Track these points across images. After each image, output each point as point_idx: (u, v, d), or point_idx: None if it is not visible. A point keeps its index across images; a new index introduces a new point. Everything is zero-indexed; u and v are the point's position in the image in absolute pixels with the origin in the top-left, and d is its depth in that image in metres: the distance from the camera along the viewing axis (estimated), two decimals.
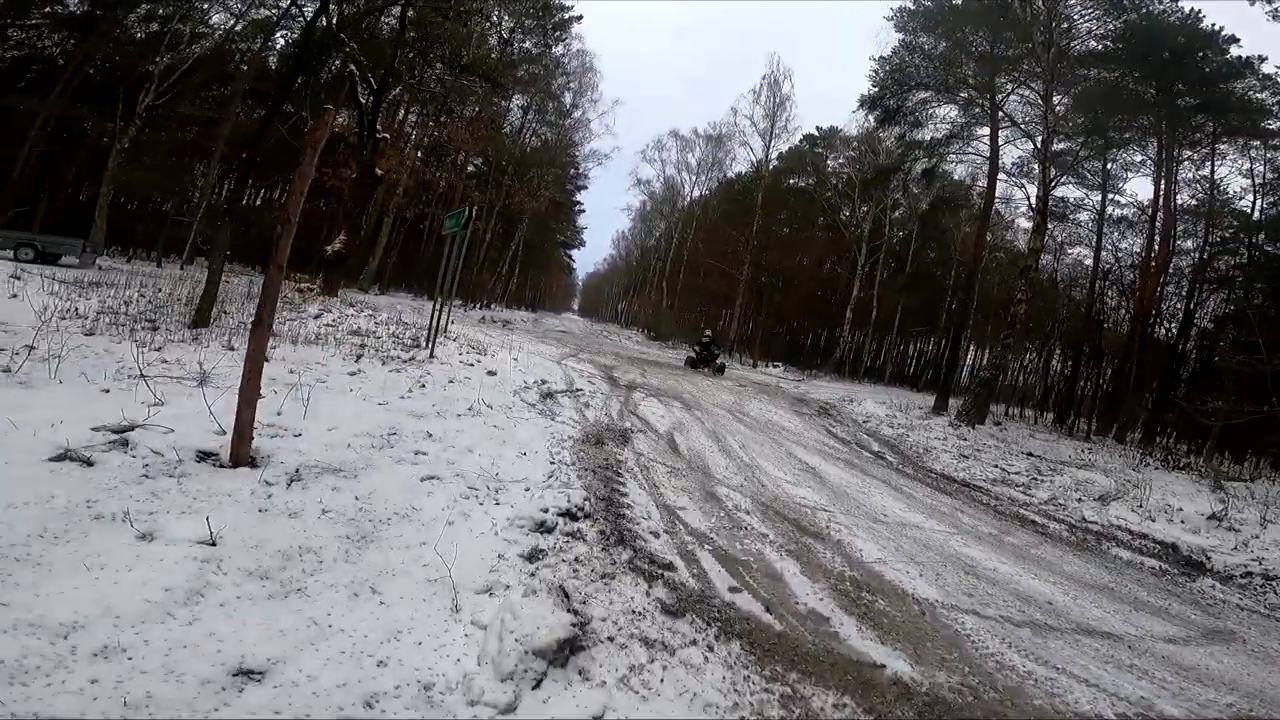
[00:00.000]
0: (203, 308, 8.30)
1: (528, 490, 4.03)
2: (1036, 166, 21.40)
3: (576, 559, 3.22)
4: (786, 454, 7.59)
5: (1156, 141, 18.27)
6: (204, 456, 3.45)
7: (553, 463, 4.80)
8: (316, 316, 10.87)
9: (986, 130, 18.01)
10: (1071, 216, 23.34)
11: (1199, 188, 19.34)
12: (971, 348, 29.07)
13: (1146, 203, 20.56)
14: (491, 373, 8.60)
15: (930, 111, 19.89)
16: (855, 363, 31.29)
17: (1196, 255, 19.79)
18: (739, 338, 33.17)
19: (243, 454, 3.46)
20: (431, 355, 8.76)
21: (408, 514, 3.41)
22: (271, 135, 18.53)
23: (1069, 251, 25.66)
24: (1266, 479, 11.46)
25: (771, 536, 4.33)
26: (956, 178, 27.25)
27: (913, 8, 18.55)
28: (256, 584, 2.47)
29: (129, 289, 10.23)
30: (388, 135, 16.76)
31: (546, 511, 3.63)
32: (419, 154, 25.32)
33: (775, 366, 28.51)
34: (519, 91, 28.74)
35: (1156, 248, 19.00)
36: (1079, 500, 7.97)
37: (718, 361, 18.69)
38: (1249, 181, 18.68)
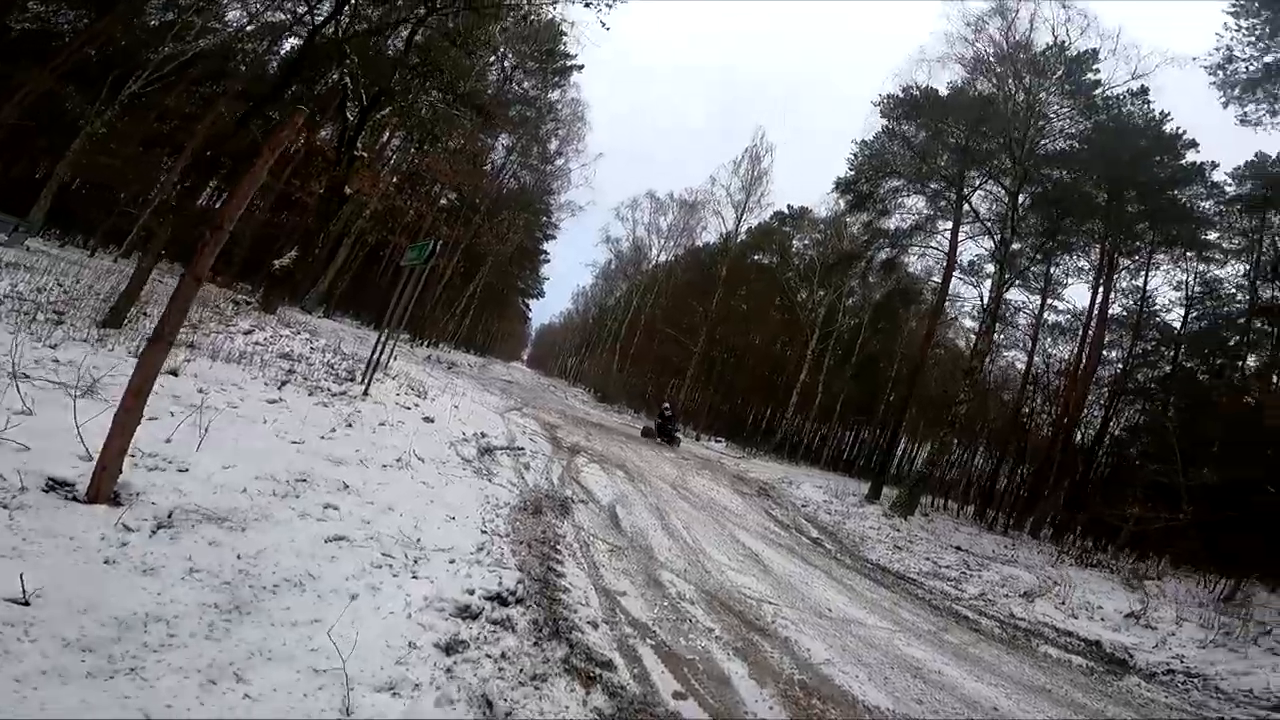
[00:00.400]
0: (119, 306, 7.51)
1: (453, 563, 3.52)
2: (991, 266, 22.45)
3: (504, 655, 2.75)
4: (730, 537, 7.26)
5: (1100, 248, 18.70)
6: (56, 486, 2.85)
7: (484, 531, 4.29)
8: (247, 333, 10.08)
9: (949, 224, 18.33)
10: (1011, 319, 23.99)
11: (1132, 298, 19.92)
12: (904, 439, 29.79)
13: (1081, 309, 21.24)
14: (428, 419, 8.03)
15: (900, 201, 20.32)
16: (795, 444, 31.51)
17: (1120, 365, 20.36)
18: (686, 409, 33.01)
19: (104, 488, 2.88)
20: (366, 392, 8.13)
21: (302, 582, 2.87)
22: (245, 137, 17.90)
23: (1004, 354, 26.78)
24: (1173, 576, 11.88)
25: (717, 631, 3.94)
26: (912, 271, 28.13)
27: (900, 95, 19.03)
28: (74, 658, 1.92)
29: (48, 275, 9.31)
30: (365, 154, 16.37)
31: (473, 593, 3.14)
32: (394, 179, 24.78)
33: (718, 441, 28.34)
34: (508, 131, 28.67)
35: (1087, 356, 19.73)
36: (1006, 596, 8.06)
37: (675, 435, 18.76)
38: (1178, 294, 19.41)
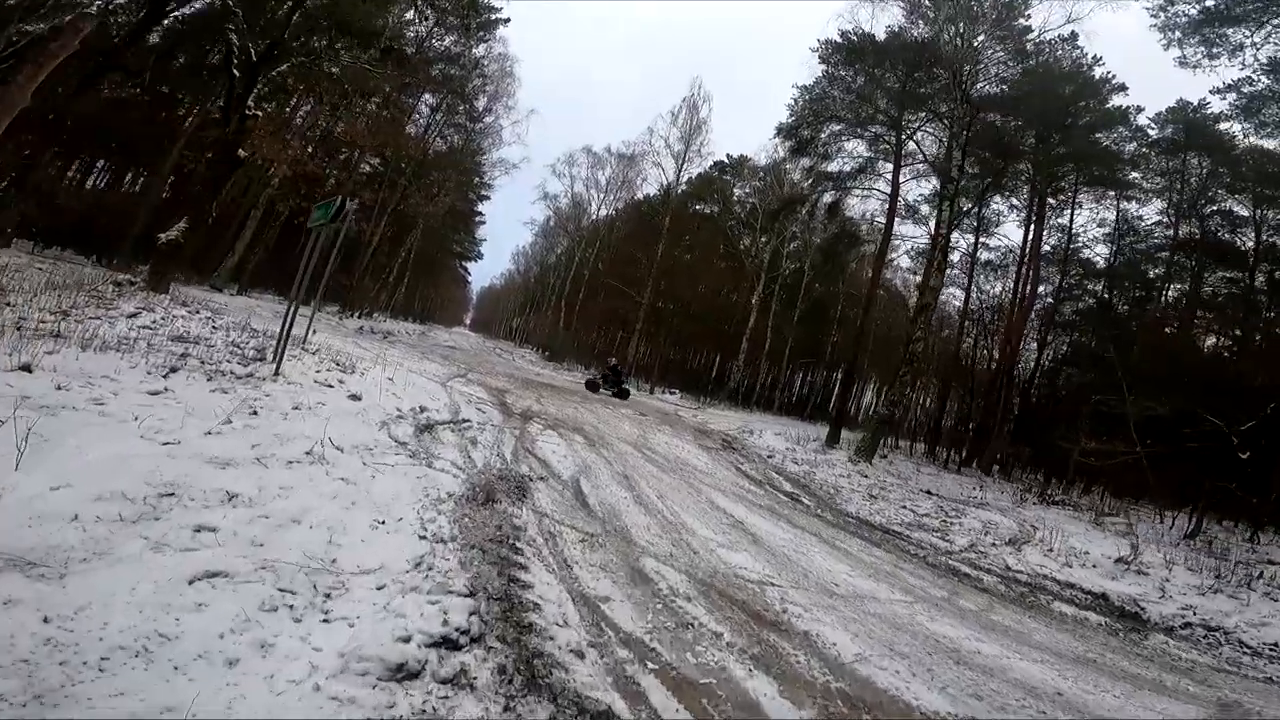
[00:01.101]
0: None
1: (381, 590, 2.62)
2: (926, 208, 22.76)
3: None
4: (708, 503, 6.59)
5: (1030, 188, 19.26)
6: None
7: (424, 536, 3.36)
8: (131, 316, 8.64)
9: (890, 166, 18.38)
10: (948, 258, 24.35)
11: (1058, 235, 20.73)
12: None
13: (1011, 247, 22.06)
14: (355, 397, 6.93)
15: (840, 145, 20.37)
16: (748, 391, 31.44)
17: (1049, 300, 21.13)
18: (637, 362, 32.37)
19: None
20: (278, 372, 6.96)
21: (148, 648, 1.95)
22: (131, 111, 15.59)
23: (942, 292, 26.98)
24: (1129, 512, 12.13)
25: (726, 636, 3.22)
26: (850, 215, 28.23)
27: (839, 41, 18.70)
28: None
29: None
30: (259, 113, 14.48)
31: (410, 639, 2.25)
32: (308, 148, 22.50)
33: (672, 393, 27.97)
34: (431, 91, 26.70)
35: (1025, 292, 20.16)
36: (994, 546, 7.77)
37: (625, 387, 19.17)
38: (1102, 230, 20.41)
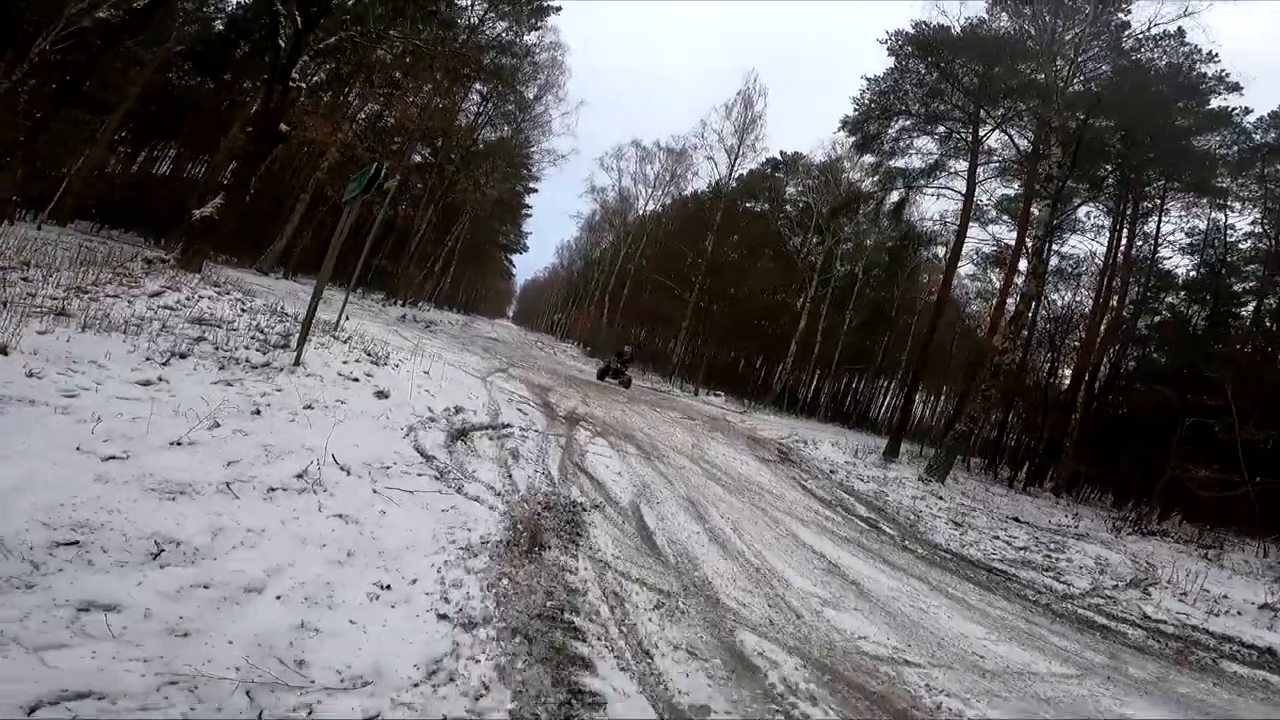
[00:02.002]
0: None
1: None
2: (994, 211, 21.28)
3: None
4: (790, 538, 5.50)
5: (1120, 193, 17.95)
6: None
7: (446, 614, 2.33)
8: (154, 295, 8.01)
9: (965, 165, 17.13)
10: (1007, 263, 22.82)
11: (1143, 243, 19.36)
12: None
13: (1087, 255, 21.02)
14: (382, 394, 6.05)
15: (909, 141, 19.34)
16: (794, 397, 30.08)
17: (1126, 312, 19.67)
18: (682, 362, 31.30)
19: None
20: (297, 361, 6.13)
21: None
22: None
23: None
24: (1234, 546, 10.80)
25: None
26: (910, 217, 26.86)
27: (911, 32, 17.62)
28: None
29: None
30: (302, 84, 13.98)
31: None
32: (357, 135, 22.36)
33: (716, 395, 26.94)
34: (481, 80, 26.57)
35: (1113, 302, 18.51)
36: (1116, 588, 6.74)
37: (628, 376, 18.97)
38: (1187, 240, 19.09)
